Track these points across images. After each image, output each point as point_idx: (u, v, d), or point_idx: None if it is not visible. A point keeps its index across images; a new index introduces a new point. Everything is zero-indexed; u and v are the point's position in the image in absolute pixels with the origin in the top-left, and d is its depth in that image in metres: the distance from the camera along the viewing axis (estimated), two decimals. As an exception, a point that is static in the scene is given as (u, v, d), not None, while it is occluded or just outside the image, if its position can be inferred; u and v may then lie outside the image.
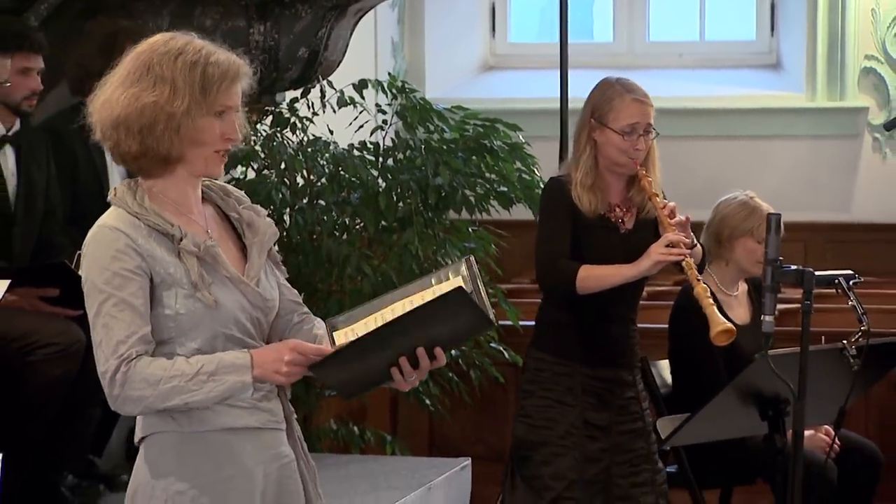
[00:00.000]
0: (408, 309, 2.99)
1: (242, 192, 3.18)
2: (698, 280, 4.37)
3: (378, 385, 3.11)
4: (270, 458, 3.05)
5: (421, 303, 2.98)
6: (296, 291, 3.20)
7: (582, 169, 4.57)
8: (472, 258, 3.07)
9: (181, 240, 2.96)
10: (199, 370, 2.92)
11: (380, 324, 2.99)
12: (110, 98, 2.98)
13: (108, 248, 2.93)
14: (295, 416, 3.16)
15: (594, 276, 4.49)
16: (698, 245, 4.52)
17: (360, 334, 2.99)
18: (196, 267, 2.96)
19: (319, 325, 3.13)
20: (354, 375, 3.04)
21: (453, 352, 6.26)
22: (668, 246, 4.40)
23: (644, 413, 4.73)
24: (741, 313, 5.36)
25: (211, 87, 2.97)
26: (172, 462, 3.00)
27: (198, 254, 2.97)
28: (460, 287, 2.95)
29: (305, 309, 3.19)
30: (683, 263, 4.39)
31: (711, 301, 4.35)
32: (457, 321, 2.99)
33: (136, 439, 3.06)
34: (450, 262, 5.20)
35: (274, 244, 3.16)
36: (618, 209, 4.62)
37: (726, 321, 4.31)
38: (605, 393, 4.64)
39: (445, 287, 2.99)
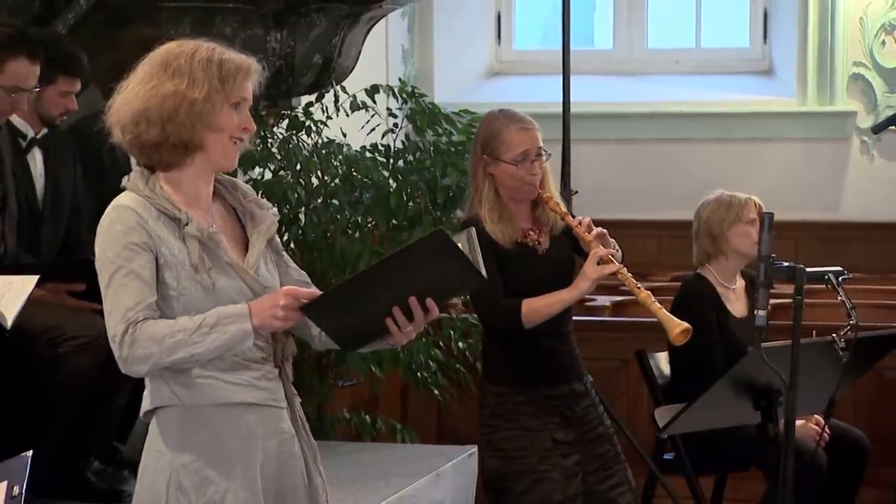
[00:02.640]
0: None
1: (249, 187, 3.25)
2: (638, 287, 4.35)
3: (376, 338, 3.11)
4: (269, 434, 3.12)
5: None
6: (303, 272, 3.26)
7: (486, 204, 4.52)
8: (473, 230, 3.12)
9: (186, 224, 3.05)
10: (201, 323, 2.98)
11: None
12: (128, 97, 3.06)
13: (120, 224, 3.03)
14: (298, 399, 3.21)
15: (537, 309, 4.46)
16: (619, 249, 4.47)
17: None
18: (197, 251, 3.04)
19: None
20: (350, 323, 3.05)
21: (460, 344, 6.42)
22: (599, 262, 4.37)
23: (602, 417, 4.69)
24: (739, 307, 5.44)
25: (228, 77, 3.06)
26: (176, 436, 3.07)
27: (200, 238, 3.05)
28: (440, 229, 3.00)
29: (313, 286, 3.22)
30: (619, 275, 4.37)
31: (659, 305, 4.34)
32: (444, 268, 3.00)
33: (142, 413, 3.14)
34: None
35: (276, 234, 3.21)
36: (531, 233, 4.57)
37: (680, 322, 4.28)
38: (564, 409, 4.59)
39: None
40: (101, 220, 3.08)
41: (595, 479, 4.60)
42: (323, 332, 3.13)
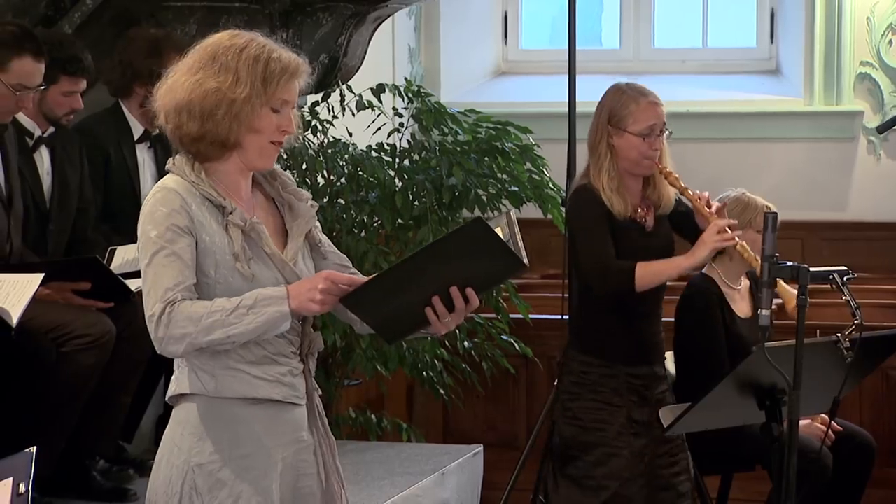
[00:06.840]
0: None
1: (289, 176, 3.24)
2: (757, 259, 4.40)
3: (416, 329, 3.10)
4: (288, 442, 3.12)
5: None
6: (343, 255, 3.26)
7: (606, 174, 4.62)
8: (512, 212, 3.08)
9: (231, 213, 3.05)
10: (238, 304, 2.97)
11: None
12: (174, 84, 3.06)
13: (164, 205, 3.02)
14: (318, 391, 3.21)
15: (652, 273, 4.55)
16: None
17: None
18: (240, 240, 3.04)
19: None
20: (390, 313, 3.03)
21: (466, 343, 6.39)
22: (718, 233, 4.47)
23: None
24: (744, 307, 5.44)
25: (272, 80, 3.03)
26: (196, 433, 3.08)
27: (243, 228, 3.05)
28: (479, 218, 2.95)
29: (353, 269, 3.24)
30: (738, 247, 4.49)
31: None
32: (485, 258, 2.97)
33: (167, 398, 3.14)
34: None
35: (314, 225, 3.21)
36: (640, 209, 4.69)
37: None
38: (643, 390, 4.72)
39: None
40: (144, 201, 3.08)
41: (661, 463, 4.73)
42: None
